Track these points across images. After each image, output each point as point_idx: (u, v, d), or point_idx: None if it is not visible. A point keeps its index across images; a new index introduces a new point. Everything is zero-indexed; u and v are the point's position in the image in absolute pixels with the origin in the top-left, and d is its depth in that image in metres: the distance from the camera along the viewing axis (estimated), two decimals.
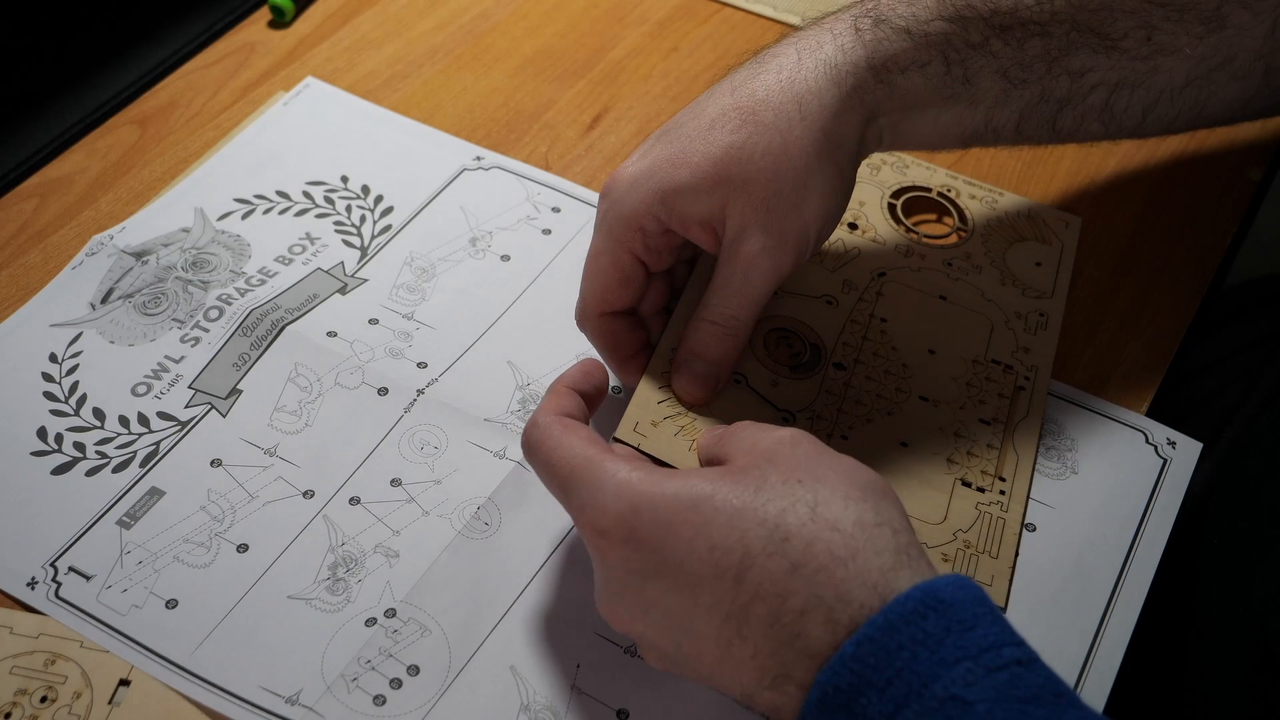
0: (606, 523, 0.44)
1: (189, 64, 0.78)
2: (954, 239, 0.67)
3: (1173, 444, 0.59)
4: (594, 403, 0.52)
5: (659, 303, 0.57)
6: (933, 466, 0.56)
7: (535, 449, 0.48)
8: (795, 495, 0.43)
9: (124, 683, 0.50)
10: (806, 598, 0.41)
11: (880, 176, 0.69)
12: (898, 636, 0.39)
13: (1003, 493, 0.56)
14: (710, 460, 0.49)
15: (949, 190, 0.69)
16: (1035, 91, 0.55)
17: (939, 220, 0.68)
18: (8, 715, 0.49)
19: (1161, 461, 0.58)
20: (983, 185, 0.70)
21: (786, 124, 0.51)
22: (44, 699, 0.50)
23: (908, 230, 0.66)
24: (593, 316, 0.56)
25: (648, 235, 0.53)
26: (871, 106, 0.53)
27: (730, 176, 0.51)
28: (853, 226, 0.66)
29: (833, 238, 0.64)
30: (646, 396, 0.53)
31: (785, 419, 0.56)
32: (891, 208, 0.68)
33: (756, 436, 0.47)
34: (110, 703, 0.50)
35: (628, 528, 0.43)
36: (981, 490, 0.55)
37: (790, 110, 0.51)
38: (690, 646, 0.44)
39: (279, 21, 0.81)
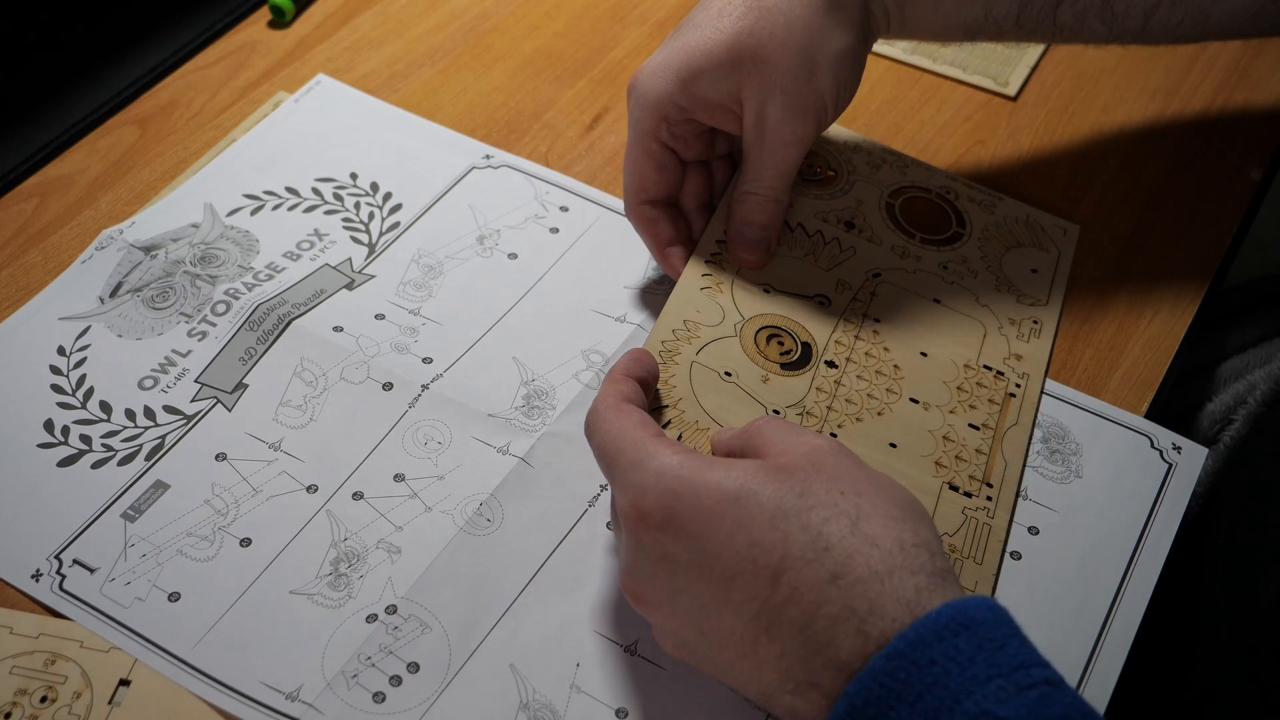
0: (647, 504, 0.42)
1: (189, 64, 0.75)
2: (950, 242, 0.63)
3: (1178, 449, 0.56)
4: (649, 389, 0.50)
5: (701, 196, 0.60)
6: (920, 469, 0.53)
7: (591, 432, 0.47)
8: (839, 507, 0.41)
9: (124, 683, 0.48)
10: (840, 608, 0.39)
11: (880, 175, 0.66)
12: (929, 652, 0.37)
13: (989, 499, 0.53)
14: (731, 454, 0.47)
15: (948, 192, 0.66)
16: None
17: (936, 223, 0.65)
18: (8, 715, 0.47)
19: (1167, 466, 0.55)
20: (982, 189, 0.67)
21: (789, 4, 0.53)
22: (44, 699, 0.47)
23: (904, 232, 0.63)
24: (634, 204, 0.58)
25: (672, 123, 0.56)
26: None
27: (744, 60, 0.53)
28: (850, 225, 0.62)
29: (829, 236, 0.61)
30: None
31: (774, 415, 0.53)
32: (890, 207, 0.64)
33: (794, 438, 0.44)
34: (110, 703, 0.47)
35: (667, 511, 0.42)
36: (969, 495, 0.53)
37: None
38: (715, 638, 0.42)
39: (279, 21, 0.78)
